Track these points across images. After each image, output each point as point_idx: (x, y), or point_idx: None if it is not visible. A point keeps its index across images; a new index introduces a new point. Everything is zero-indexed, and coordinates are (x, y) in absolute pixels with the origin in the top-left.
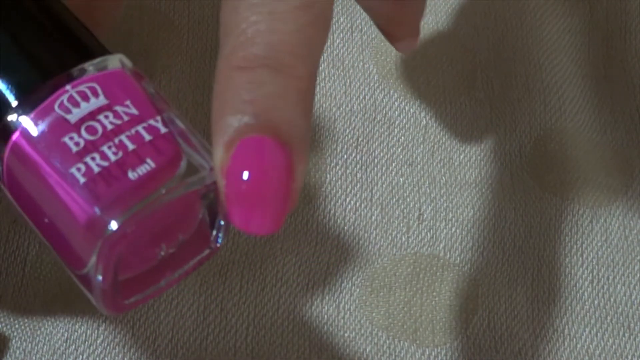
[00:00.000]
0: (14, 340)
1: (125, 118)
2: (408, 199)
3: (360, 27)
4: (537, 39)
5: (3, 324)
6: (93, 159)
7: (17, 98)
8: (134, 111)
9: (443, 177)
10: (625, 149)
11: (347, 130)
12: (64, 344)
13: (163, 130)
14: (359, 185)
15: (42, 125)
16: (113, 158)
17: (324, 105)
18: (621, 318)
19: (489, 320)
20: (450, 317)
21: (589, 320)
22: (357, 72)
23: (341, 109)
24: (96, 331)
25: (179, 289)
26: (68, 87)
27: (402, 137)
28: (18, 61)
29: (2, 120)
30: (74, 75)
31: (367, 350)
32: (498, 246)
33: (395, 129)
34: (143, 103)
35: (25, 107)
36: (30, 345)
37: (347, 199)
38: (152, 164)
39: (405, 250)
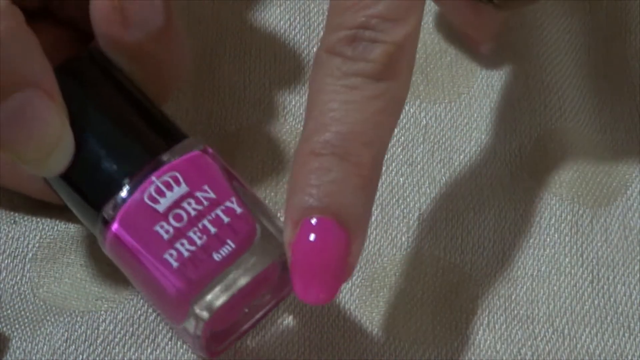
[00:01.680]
0: (14, 340)
1: (206, 203)
2: (408, 199)
3: None
4: (537, 39)
5: (3, 324)
6: (182, 244)
7: (109, 190)
8: (212, 195)
9: (443, 177)
10: (625, 149)
11: None
12: (64, 344)
13: (238, 210)
14: None
15: (135, 217)
16: (199, 242)
17: None
18: (621, 318)
19: (489, 320)
20: (451, 316)
21: (589, 320)
22: None
23: None
24: (96, 331)
25: None
26: (153, 178)
27: (402, 137)
28: (105, 156)
29: (101, 211)
30: (157, 164)
31: (367, 350)
32: (498, 246)
33: (395, 129)
34: (219, 185)
35: (117, 198)
36: (30, 345)
37: None
38: (232, 245)
39: (406, 251)
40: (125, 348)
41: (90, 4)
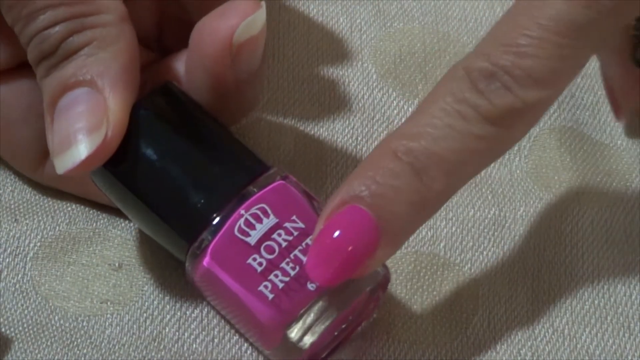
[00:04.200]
0: (16, 342)
1: (295, 233)
2: None
3: (359, 27)
4: None
5: (4, 325)
6: (276, 276)
7: (199, 224)
8: (301, 225)
9: None
10: (625, 149)
11: (346, 130)
12: (67, 346)
13: None
14: None
15: (227, 251)
16: (292, 273)
17: (323, 104)
18: (621, 318)
19: (489, 320)
20: (450, 317)
21: (589, 320)
22: (355, 71)
23: (340, 108)
24: (102, 335)
25: (184, 289)
26: (242, 211)
27: None
28: (193, 189)
29: (191, 245)
30: (244, 197)
31: (367, 350)
32: (498, 246)
33: (394, 128)
34: (306, 214)
35: (207, 232)
36: (32, 345)
37: None
38: None
39: (406, 249)
40: (131, 349)
41: (201, 39)
